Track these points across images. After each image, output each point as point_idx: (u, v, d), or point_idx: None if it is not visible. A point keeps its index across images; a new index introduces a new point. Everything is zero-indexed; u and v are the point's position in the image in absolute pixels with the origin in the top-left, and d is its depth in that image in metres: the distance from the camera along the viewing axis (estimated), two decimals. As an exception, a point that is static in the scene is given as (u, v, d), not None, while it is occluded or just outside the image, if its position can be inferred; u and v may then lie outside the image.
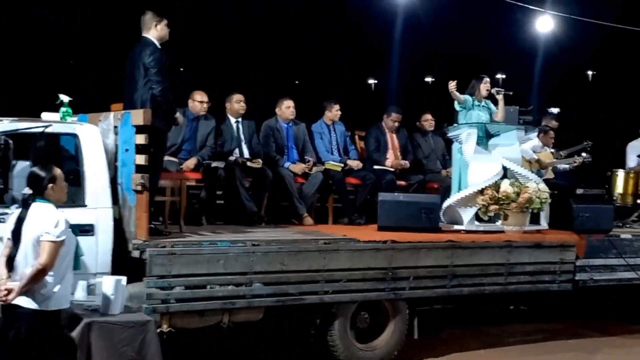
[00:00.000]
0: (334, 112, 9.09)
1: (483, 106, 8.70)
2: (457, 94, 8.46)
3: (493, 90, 8.72)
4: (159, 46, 6.62)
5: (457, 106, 8.63)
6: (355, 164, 8.98)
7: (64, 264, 4.91)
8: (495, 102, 8.83)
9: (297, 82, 24.72)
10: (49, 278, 4.83)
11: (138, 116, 6.18)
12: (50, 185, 4.97)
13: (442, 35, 21.65)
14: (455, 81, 8.38)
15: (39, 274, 4.77)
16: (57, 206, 5.00)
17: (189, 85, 8.47)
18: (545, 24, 14.12)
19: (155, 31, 6.65)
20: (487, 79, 8.75)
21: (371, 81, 29.51)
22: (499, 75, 28.54)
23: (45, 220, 4.82)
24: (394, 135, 9.45)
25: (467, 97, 8.61)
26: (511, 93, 8.83)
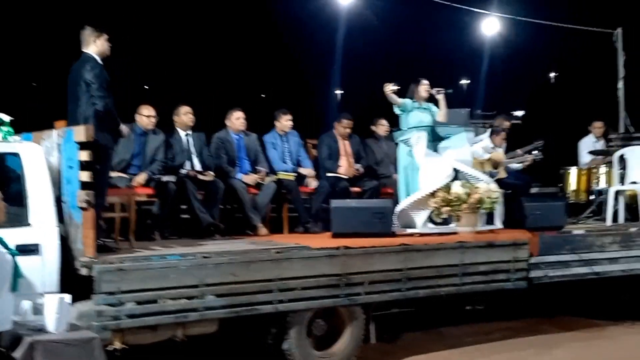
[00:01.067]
0: (283, 122, 9.10)
1: (424, 108, 8.75)
2: (394, 96, 8.52)
3: (433, 91, 8.77)
4: (99, 61, 6.59)
5: (395, 110, 8.69)
6: (306, 171, 8.99)
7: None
8: (437, 104, 8.87)
9: (262, 95, 24.73)
10: None
11: (80, 133, 6.13)
12: None
13: (402, 41, 21.81)
14: (392, 83, 8.43)
15: None
16: (-4, 226, 4.94)
17: (136, 100, 8.41)
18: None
19: (94, 46, 6.62)
20: (426, 81, 8.79)
21: (337, 91, 29.59)
22: (463, 81, 28.83)
23: None
24: (346, 142, 9.48)
25: (405, 100, 8.66)
26: (450, 91, 8.90)
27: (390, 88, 8.42)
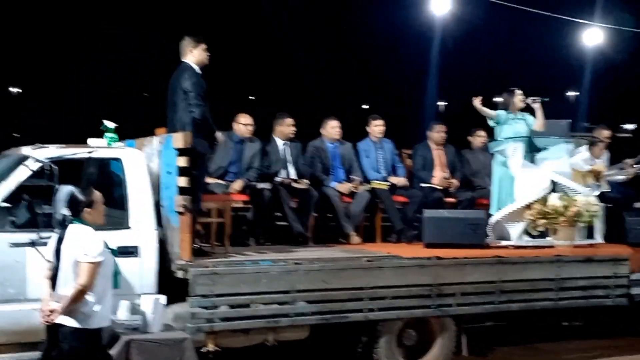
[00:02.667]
0: (373, 128, 9.10)
1: (519, 119, 8.59)
2: (485, 109, 8.43)
3: (528, 100, 8.61)
4: (197, 70, 6.79)
5: (490, 122, 8.58)
6: (398, 180, 8.97)
7: (103, 284, 5.07)
8: (533, 114, 8.70)
9: (364, 106, 24.89)
10: (89, 297, 4.99)
11: (179, 139, 6.34)
12: (87, 208, 5.14)
13: (504, 52, 21.54)
14: (480, 97, 8.35)
15: (79, 294, 4.93)
16: (96, 228, 5.17)
17: (232, 109, 8.63)
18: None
19: (192, 56, 6.83)
20: (519, 91, 8.64)
21: (440, 103, 29.30)
22: (570, 93, 28.11)
23: (83, 242, 4.99)
24: (441, 152, 9.40)
25: (499, 112, 8.54)
26: (547, 99, 8.70)
27: (478, 101, 8.35)
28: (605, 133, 10.01)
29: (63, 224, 5.08)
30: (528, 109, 8.71)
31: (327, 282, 6.68)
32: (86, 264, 4.94)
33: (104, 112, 7.74)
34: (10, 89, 25.68)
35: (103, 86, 20.60)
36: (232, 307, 6.33)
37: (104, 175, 6.56)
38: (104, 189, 5.54)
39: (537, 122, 8.62)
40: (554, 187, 8.16)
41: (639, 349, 8.66)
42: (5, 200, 5.97)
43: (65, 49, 20.82)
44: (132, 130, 7.56)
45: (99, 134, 6.77)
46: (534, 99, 8.61)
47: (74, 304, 4.95)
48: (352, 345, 7.25)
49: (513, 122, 8.54)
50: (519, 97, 8.61)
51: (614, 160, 10.10)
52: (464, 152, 9.74)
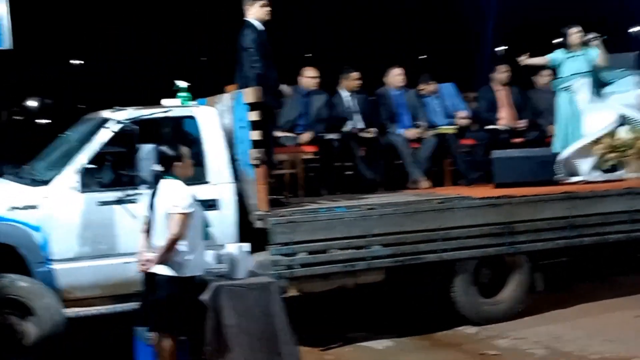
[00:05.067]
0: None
1: (579, 55, 8.49)
2: (535, 59, 8.53)
3: (587, 37, 8.48)
4: (258, 27, 6.92)
5: (554, 58, 8.54)
6: (463, 116, 9.01)
7: (194, 235, 5.35)
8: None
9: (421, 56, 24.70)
10: (181, 247, 5.28)
11: (249, 94, 6.54)
12: (177, 162, 5.40)
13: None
14: (525, 54, 8.49)
15: (172, 244, 5.22)
16: (185, 182, 5.43)
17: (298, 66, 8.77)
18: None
19: (252, 13, 6.97)
20: (576, 28, 8.51)
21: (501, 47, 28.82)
22: (634, 29, 27.27)
23: (174, 195, 5.27)
24: (506, 93, 9.39)
25: (551, 55, 8.56)
26: (605, 37, 8.57)
27: (523, 58, 8.48)
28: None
29: (156, 179, 5.37)
30: (589, 46, 8.62)
31: (401, 225, 6.84)
32: (177, 215, 5.22)
33: (168, 76, 7.98)
34: (72, 61, 26.20)
35: (165, 51, 20.94)
36: (310, 253, 6.54)
37: (181, 133, 6.81)
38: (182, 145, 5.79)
39: (600, 57, 8.51)
40: (623, 120, 8.10)
41: None
42: (90, 162, 6.27)
43: (123, 18, 21.15)
44: (200, 90, 7.78)
45: (169, 96, 7.02)
46: (593, 36, 8.50)
47: (168, 254, 5.24)
48: (429, 286, 7.44)
49: (573, 59, 8.45)
50: (575, 35, 8.50)
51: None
52: (528, 92, 9.70)
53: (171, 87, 7.01)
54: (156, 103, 6.90)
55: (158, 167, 5.46)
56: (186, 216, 5.25)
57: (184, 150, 5.52)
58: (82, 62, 26.08)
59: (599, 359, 6.32)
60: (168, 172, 5.43)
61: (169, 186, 5.37)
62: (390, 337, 7.11)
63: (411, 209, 6.97)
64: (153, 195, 5.43)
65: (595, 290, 8.32)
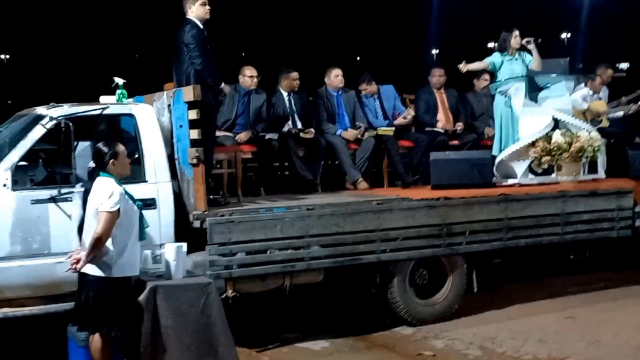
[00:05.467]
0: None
1: (516, 59, 8.65)
2: (475, 64, 8.62)
3: (523, 42, 8.64)
4: (198, 24, 6.88)
5: (491, 61, 8.67)
6: (401, 118, 9.08)
7: (125, 234, 5.23)
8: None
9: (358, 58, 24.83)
10: (110, 247, 5.16)
11: (188, 92, 6.46)
12: (112, 160, 5.29)
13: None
14: (463, 61, 8.54)
15: (96, 243, 5.10)
16: (120, 181, 5.32)
17: (238, 62, 8.71)
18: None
19: (192, 11, 6.94)
20: (517, 31, 8.67)
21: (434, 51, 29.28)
22: (563, 35, 28.05)
23: (102, 193, 5.16)
24: (444, 95, 9.50)
25: (490, 59, 8.67)
26: (540, 40, 8.75)
27: (462, 66, 8.53)
28: (609, 72, 10.10)
29: (91, 176, 5.25)
30: (525, 50, 8.78)
31: (340, 225, 6.86)
32: (102, 213, 5.11)
33: (105, 73, 7.84)
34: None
35: (102, 48, 20.56)
36: (248, 253, 6.51)
37: (117, 130, 6.69)
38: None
39: (534, 61, 8.67)
40: (557, 124, 8.28)
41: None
42: (23, 159, 6.10)
43: (53, 12, 20.68)
44: (138, 87, 7.66)
45: (105, 93, 6.89)
46: (527, 40, 8.65)
47: (94, 253, 5.11)
48: (366, 287, 7.47)
49: (510, 63, 8.60)
50: (514, 38, 8.65)
51: (610, 98, 10.24)
52: (467, 95, 9.82)
53: (109, 84, 6.89)
54: (94, 100, 6.77)
55: (92, 164, 5.33)
56: (112, 215, 5.12)
57: (120, 148, 5.41)
58: (8, 56, 25.46)
59: (532, 359, 6.42)
60: (103, 170, 5.32)
61: (100, 184, 5.26)
62: (327, 337, 7.11)
63: (350, 209, 6.99)
64: (87, 193, 5.31)
65: (528, 292, 8.47)
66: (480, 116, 9.67)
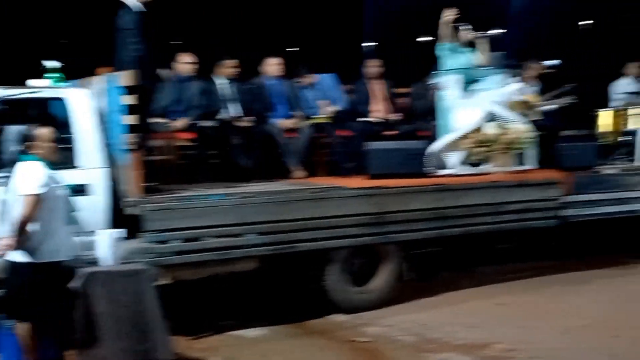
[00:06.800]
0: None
1: (463, 52, 8.77)
2: (447, 29, 8.58)
3: (472, 35, 8.79)
4: (137, 9, 6.81)
5: (439, 51, 8.76)
6: (332, 109, 9.11)
7: (51, 218, 5.14)
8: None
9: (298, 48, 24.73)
10: (34, 231, 5.07)
11: (125, 77, 6.39)
12: (36, 143, 5.19)
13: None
14: (455, 10, 8.54)
15: (21, 226, 5.01)
16: (48, 164, 5.23)
17: (176, 48, 8.63)
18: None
19: None
20: (468, 25, 8.83)
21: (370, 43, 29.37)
22: (495, 31, 28.49)
23: (25, 176, 5.07)
24: (379, 86, 9.58)
25: (440, 50, 8.76)
26: (490, 34, 8.92)
27: (448, 15, 8.54)
28: (540, 66, 10.34)
29: (15, 161, 5.15)
30: (472, 44, 8.92)
31: (276, 213, 6.87)
32: (25, 197, 5.02)
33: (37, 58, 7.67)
34: None
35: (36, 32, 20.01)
36: (184, 241, 6.47)
37: (51, 115, 6.55)
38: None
39: (481, 56, 8.82)
40: (490, 116, 8.45)
41: (566, 268, 9.18)
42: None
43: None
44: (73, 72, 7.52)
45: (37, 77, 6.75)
46: (478, 34, 8.78)
47: (20, 237, 5.02)
48: (302, 275, 7.51)
49: (457, 55, 8.71)
50: (465, 31, 8.78)
51: (543, 92, 10.49)
52: (414, 86, 9.86)
53: (38, 68, 6.75)
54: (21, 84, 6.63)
55: (18, 148, 5.23)
56: (35, 198, 5.04)
57: (46, 131, 5.32)
58: None
59: (464, 344, 6.56)
60: (27, 153, 5.22)
61: (24, 167, 5.17)
62: (262, 325, 7.13)
63: (286, 198, 7.01)
64: (12, 176, 5.20)
65: (460, 280, 8.64)
66: (420, 107, 9.71)
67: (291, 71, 9.36)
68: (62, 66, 6.68)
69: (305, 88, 9.22)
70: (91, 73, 7.06)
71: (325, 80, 9.39)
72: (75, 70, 7.45)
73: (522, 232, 8.53)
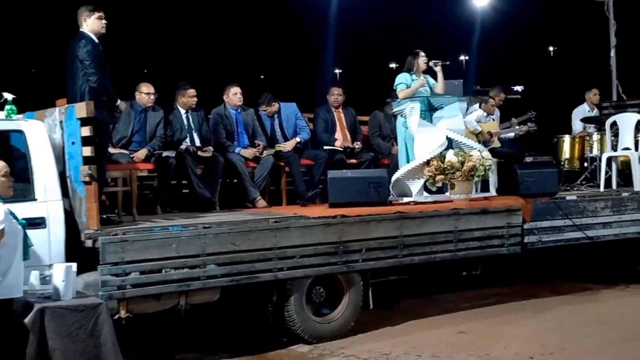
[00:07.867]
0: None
1: (421, 80, 8.89)
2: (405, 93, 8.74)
3: (431, 63, 8.89)
4: (93, 39, 6.77)
5: (398, 86, 8.84)
6: (291, 142, 9.16)
7: (10, 255, 5.06)
8: (435, 76, 9.01)
9: (262, 76, 24.87)
10: None
11: (81, 109, 6.33)
12: None
13: (396, 18, 21.91)
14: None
15: None
16: (3, 199, 5.15)
17: (136, 78, 8.60)
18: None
19: (86, 25, 6.82)
20: (423, 53, 8.94)
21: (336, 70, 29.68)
22: (461, 57, 28.91)
23: None
24: (342, 114, 9.65)
25: (401, 79, 8.86)
26: (448, 63, 9.03)
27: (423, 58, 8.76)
28: (501, 95, 10.49)
29: None
30: (429, 72, 9.01)
31: (236, 244, 6.82)
32: None
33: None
34: None
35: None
36: (143, 273, 6.39)
37: (6, 147, 6.47)
38: (7, 161, 5.51)
39: (438, 84, 8.91)
40: (450, 144, 8.52)
41: (530, 294, 9.23)
42: None
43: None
44: (28, 103, 7.44)
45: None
46: (435, 62, 8.87)
47: None
48: (263, 305, 7.45)
49: (414, 84, 8.82)
50: (422, 59, 8.89)
51: (502, 119, 10.65)
52: (376, 114, 9.92)
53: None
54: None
55: None
56: None
57: (0, 165, 5.25)
58: None
59: (426, 374, 6.56)
60: None
61: None
62: (223, 357, 7.06)
63: (247, 228, 6.97)
64: None
65: (422, 307, 8.65)
66: (387, 136, 9.76)
67: (253, 100, 9.39)
68: (14, 98, 6.58)
69: (267, 117, 9.24)
70: (51, 105, 7.00)
71: (287, 108, 9.42)
72: (35, 102, 7.39)
73: (485, 259, 8.57)
